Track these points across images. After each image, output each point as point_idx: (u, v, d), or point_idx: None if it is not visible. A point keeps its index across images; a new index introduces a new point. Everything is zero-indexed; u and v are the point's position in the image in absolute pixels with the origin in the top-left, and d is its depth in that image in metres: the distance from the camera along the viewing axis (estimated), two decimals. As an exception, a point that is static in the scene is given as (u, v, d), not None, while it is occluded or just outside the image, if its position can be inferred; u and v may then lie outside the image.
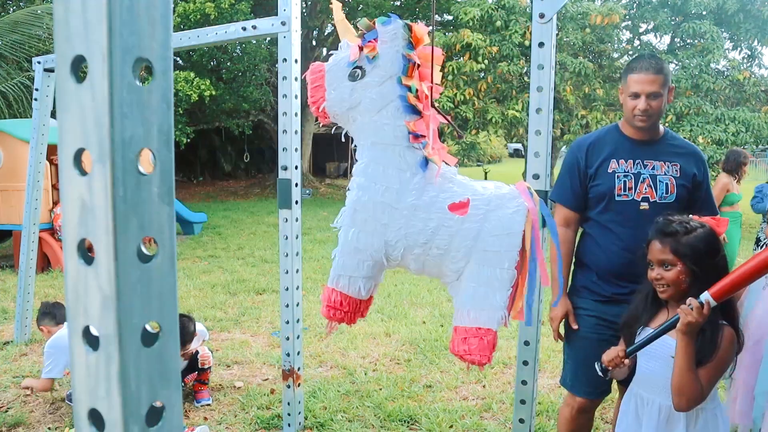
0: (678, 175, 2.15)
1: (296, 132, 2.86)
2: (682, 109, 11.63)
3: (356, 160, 1.57)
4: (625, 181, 2.14)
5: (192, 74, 12.81)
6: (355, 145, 1.62)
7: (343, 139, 1.97)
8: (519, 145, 32.38)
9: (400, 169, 1.49)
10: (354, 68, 1.53)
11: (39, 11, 9.59)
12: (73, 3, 0.41)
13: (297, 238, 2.94)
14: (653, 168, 2.14)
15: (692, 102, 11.60)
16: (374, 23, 1.54)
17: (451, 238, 1.46)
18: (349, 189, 1.63)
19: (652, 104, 2.07)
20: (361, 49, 1.53)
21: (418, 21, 1.66)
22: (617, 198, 2.15)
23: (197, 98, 12.77)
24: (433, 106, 1.55)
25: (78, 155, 0.43)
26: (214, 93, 13.28)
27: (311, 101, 1.56)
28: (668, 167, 2.14)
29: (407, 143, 1.48)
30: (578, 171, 2.24)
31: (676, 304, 1.77)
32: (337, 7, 1.58)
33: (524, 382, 2.27)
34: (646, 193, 2.11)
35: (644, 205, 2.11)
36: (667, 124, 11.87)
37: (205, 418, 3.22)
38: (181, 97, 12.46)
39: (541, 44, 2.04)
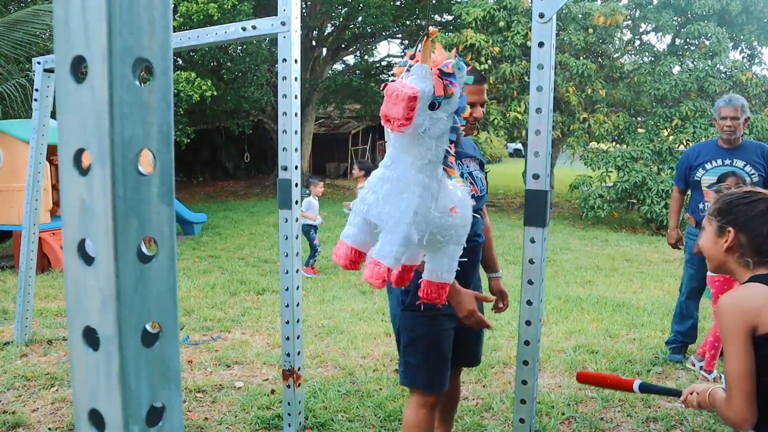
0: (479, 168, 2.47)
1: (296, 132, 2.86)
2: (687, 113, 11.63)
3: (386, 167, 1.91)
4: None
5: (193, 75, 12.82)
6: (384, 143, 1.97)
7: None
8: (519, 145, 32.38)
9: (438, 183, 1.88)
10: (432, 101, 1.78)
11: (40, 12, 9.58)
12: (73, 3, 0.41)
13: (297, 238, 2.94)
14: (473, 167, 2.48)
15: (697, 105, 11.60)
16: (450, 67, 1.77)
17: (448, 229, 1.93)
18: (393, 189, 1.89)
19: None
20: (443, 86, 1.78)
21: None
22: None
23: (198, 98, 12.77)
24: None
25: (78, 155, 0.43)
26: (215, 93, 13.29)
27: (400, 122, 1.75)
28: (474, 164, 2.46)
29: (444, 162, 1.89)
30: None
31: None
32: (427, 43, 1.75)
33: (524, 382, 2.27)
34: (471, 191, 2.32)
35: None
36: (671, 129, 11.88)
37: (206, 418, 3.22)
38: (183, 97, 12.46)
39: (540, 44, 2.04)
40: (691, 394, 1.66)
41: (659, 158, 11.68)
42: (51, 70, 4.27)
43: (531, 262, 2.22)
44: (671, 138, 11.79)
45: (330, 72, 19.67)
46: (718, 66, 12.14)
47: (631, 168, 11.18)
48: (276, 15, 2.82)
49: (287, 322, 2.96)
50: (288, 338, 2.97)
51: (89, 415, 0.44)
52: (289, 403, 3.02)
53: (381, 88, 1.77)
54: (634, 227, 11.37)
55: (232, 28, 3.04)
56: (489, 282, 2.65)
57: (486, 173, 2.55)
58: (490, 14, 12.51)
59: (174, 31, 2.88)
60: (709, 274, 3.61)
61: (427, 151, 1.81)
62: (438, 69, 1.74)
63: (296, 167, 2.88)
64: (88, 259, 0.43)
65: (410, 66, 1.75)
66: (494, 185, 17.49)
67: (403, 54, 20.84)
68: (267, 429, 3.13)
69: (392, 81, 1.76)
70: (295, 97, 2.84)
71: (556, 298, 5.73)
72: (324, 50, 19.13)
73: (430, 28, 1.76)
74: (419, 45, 1.76)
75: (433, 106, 1.74)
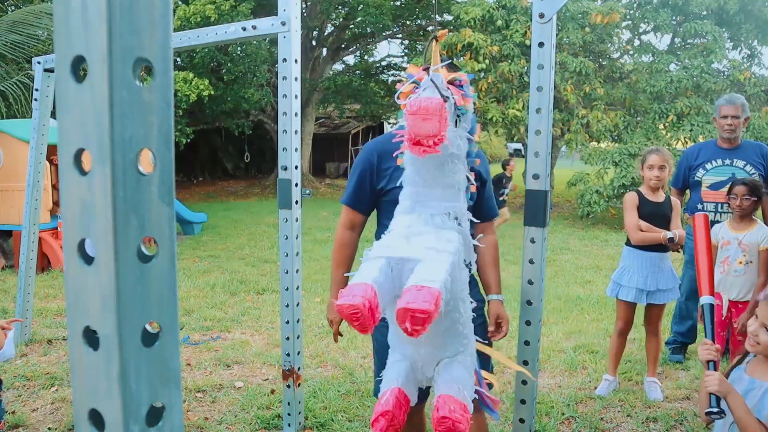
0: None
1: (296, 132, 2.86)
2: (683, 109, 11.64)
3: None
4: None
5: (191, 74, 12.81)
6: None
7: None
8: (519, 145, 32.32)
9: (467, 224, 1.65)
10: (457, 114, 1.56)
11: (38, 11, 9.57)
12: (73, 3, 0.41)
13: (297, 238, 2.94)
14: None
15: (693, 102, 11.61)
16: (466, 79, 1.58)
17: (462, 298, 1.62)
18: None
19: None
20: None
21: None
22: None
23: (196, 98, 12.76)
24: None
25: (78, 155, 0.43)
26: (212, 93, 13.27)
27: (437, 137, 1.48)
28: None
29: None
30: (370, 174, 2.17)
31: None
32: (436, 46, 1.59)
33: (524, 382, 2.27)
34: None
35: None
36: (667, 125, 11.89)
37: (206, 418, 3.22)
38: (180, 97, 12.46)
39: (541, 44, 2.04)
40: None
41: (657, 156, 11.70)
42: (51, 70, 4.27)
43: (531, 262, 2.21)
44: (669, 135, 11.80)
45: (330, 72, 19.67)
46: (713, 64, 12.15)
47: (628, 164, 11.20)
48: (276, 15, 2.82)
49: (287, 322, 2.96)
50: (288, 338, 2.97)
51: (89, 415, 0.44)
52: (289, 403, 3.02)
53: (403, 108, 1.48)
54: (634, 227, 11.36)
55: (232, 28, 3.04)
56: (488, 305, 2.32)
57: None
58: (489, 13, 12.52)
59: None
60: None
61: (455, 176, 1.58)
62: (449, 80, 1.57)
63: (296, 167, 2.88)
64: (88, 259, 0.43)
65: (416, 81, 1.55)
66: (494, 185, 17.47)
67: (403, 55, 20.81)
68: (267, 429, 3.13)
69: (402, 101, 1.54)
70: (295, 97, 2.84)
71: (556, 298, 5.73)
72: (324, 50, 19.13)
73: (439, 29, 1.65)
74: (427, 53, 1.59)
75: (456, 123, 1.55)
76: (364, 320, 1.35)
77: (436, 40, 1.59)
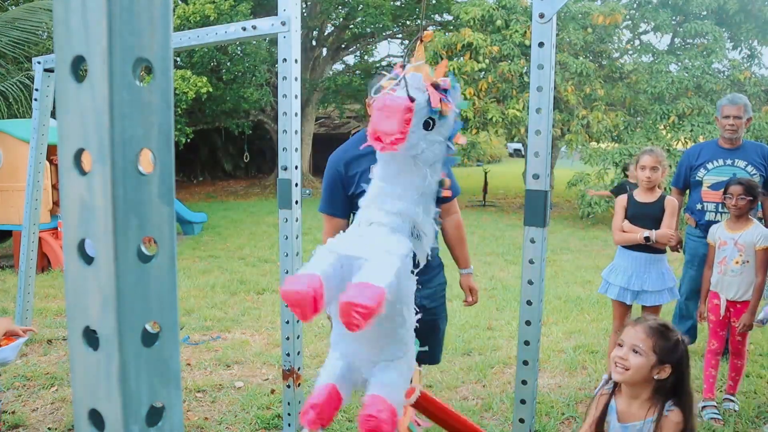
0: None
1: (296, 132, 2.86)
2: (684, 110, 11.64)
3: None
4: None
5: (189, 72, 12.79)
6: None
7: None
8: (519, 145, 32.36)
9: (432, 227, 1.66)
10: (429, 118, 1.55)
11: (38, 8, 9.56)
12: (73, 3, 0.41)
13: (297, 238, 2.94)
14: None
15: (694, 102, 11.61)
16: (449, 83, 1.59)
17: (410, 304, 1.66)
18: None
19: None
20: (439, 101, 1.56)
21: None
22: None
23: (194, 95, 12.74)
24: None
25: (78, 155, 0.43)
26: (211, 90, 13.26)
27: (393, 137, 1.47)
28: None
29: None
30: (341, 183, 2.50)
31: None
32: (419, 46, 1.61)
33: (524, 382, 2.27)
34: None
35: None
36: (668, 125, 11.89)
37: (206, 418, 3.22)
38: (179, 95, 12.45)
39: (541, 44, 2.04)
40: None
41: (658, 156, 11.71)
42: (51, 70, 4.27)
43: (531, 262, 2.21)
44: (669, 136, 11.81)
45: (330, 72, 19.68)
46: (714, 64, 12.17)
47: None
48: (276, 15, 2.82)
49: (287, 322, 2.96)
50: (288, 338, 2.97)
51: (89, 415, 0.44)
52: (289, 403, 3.02)
53: (368, 103, 1.52)
54: (634, 227, 11.36)
55: (232, 28, 3.04)
56: (460, 278, 2.82)
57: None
58: (489, 13, 12.52)
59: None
60: (711, 289, 3.46)
61: (421, 180, 1.58)
62: (432, 83, 1.56)
63: (296, 167, 2.88)
64: (88, 259, 0.43)
65: (399, 78, 1.55)
66: (494, 185, 17.48)
67: (403, 55, 20.81)
68: (267, 429, 3.13)
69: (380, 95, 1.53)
70: (295, 97, 2.83)
71: (556, 298, 5.73)
72: (324, 50, 19.13)
73: (425, 30, 1.66)
74: (413, 51, 1.59)
75: (428, 125, 1.55)
76: (305, 308, 1.40)
77: (421, 41, 1.61)
